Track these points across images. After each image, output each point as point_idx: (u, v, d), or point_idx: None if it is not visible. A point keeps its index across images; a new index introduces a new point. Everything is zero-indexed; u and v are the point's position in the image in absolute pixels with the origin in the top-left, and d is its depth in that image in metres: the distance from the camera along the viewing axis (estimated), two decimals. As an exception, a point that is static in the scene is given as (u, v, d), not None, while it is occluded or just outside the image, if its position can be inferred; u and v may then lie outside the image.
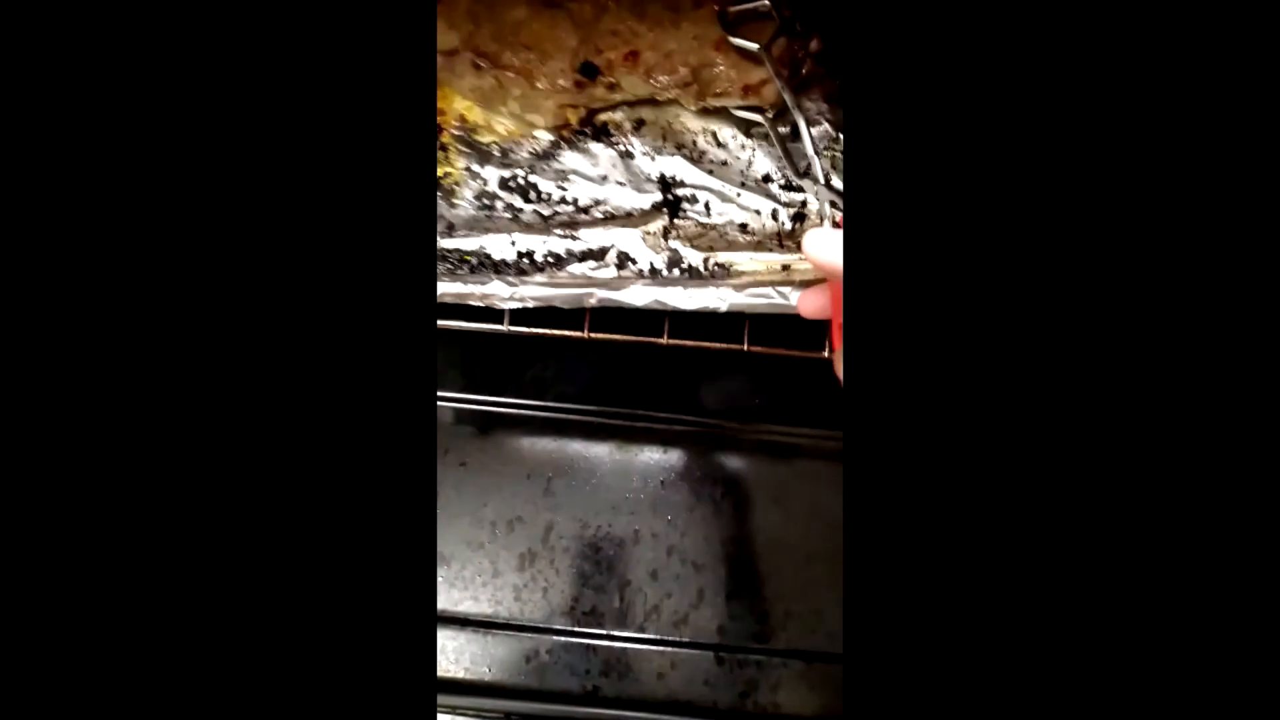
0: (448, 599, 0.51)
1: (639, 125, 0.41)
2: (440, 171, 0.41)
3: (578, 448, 0.55)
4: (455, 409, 0.56)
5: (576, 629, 0.50)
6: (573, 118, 0.39)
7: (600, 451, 0.55)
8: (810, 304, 0.34)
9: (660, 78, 0.38)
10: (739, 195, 0.40)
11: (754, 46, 0.36)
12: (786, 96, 0.34)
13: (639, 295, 0.37)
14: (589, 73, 0.37)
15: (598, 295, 0.37)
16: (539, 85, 0.36)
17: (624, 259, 0.40)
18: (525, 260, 0.40)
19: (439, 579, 0.51)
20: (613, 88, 0.38)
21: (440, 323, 0.40)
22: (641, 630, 0.50)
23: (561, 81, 0.37)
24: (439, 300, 0.38)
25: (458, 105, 0.42)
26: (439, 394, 0.56)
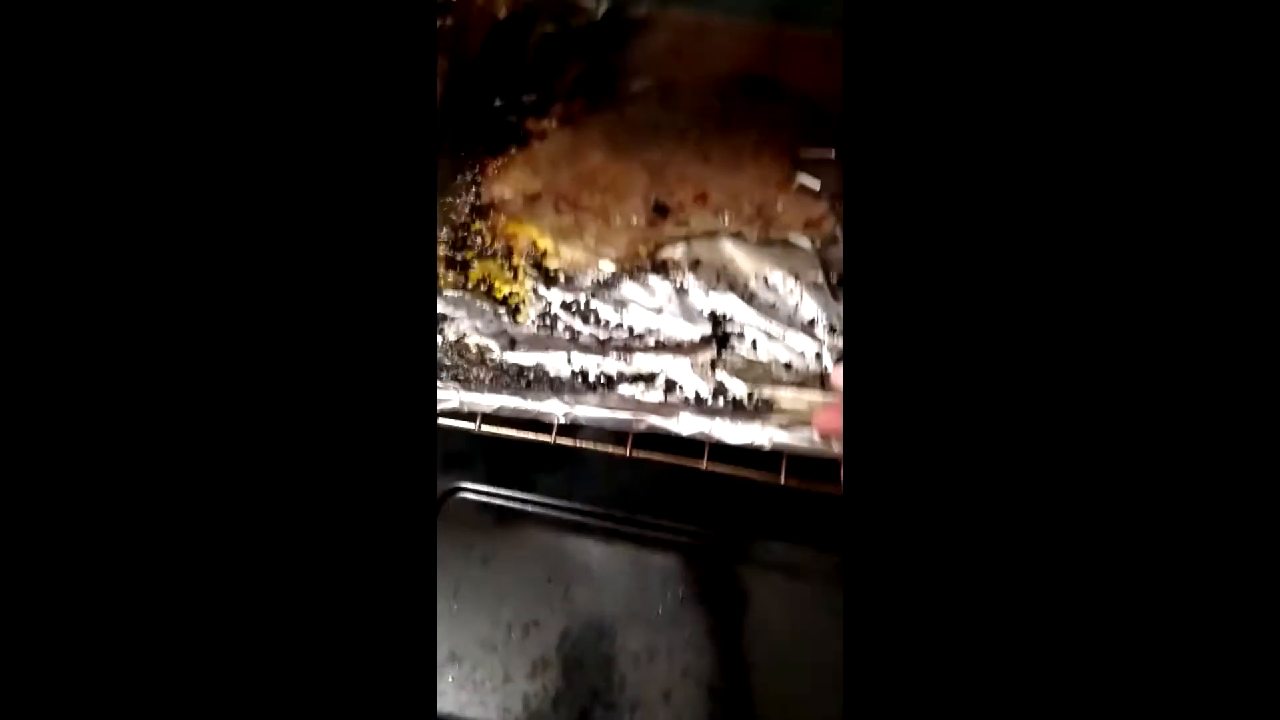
0: (455, 701, 0.50)
1: (696, 264, 0.45)
2: (508, 290, 0.44)
3: (601, 552, 0.56)
4: (480, 501, 0.58)
5: (583, 748, 0.49)
6: (642, 251, 0.43)
7: (623, 559, 0.56)
8: (825, 421, 0.36)
9: (728, 214, 0.43)
10: (785, 336, 0.43)
11: (816, 185, 0.42)
12: (839, 231, 0.40)
13: (686, 425, 0.39)
14: (661, 211, 0.42)
15: (647, 421, 0.39)
16: (614, 223, 0.41)
17: (671, 385, 0.42)
18: (579, 379, 0.42)
19: (449, 679, 0.51)
20: (681, 224, 0.42)
21: (490, 430, 0.42)
22: (650, 756, 0.48)
23: (635, 219, 0.41)
24: (496, 411, 0.40)
25: (531, 232, 0.46)
26: (468, 485, 0.57)
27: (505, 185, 0.44)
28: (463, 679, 0.50)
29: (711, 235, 0.44)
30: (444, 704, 0.50)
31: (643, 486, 0.58)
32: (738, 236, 0.44)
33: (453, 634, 0.52)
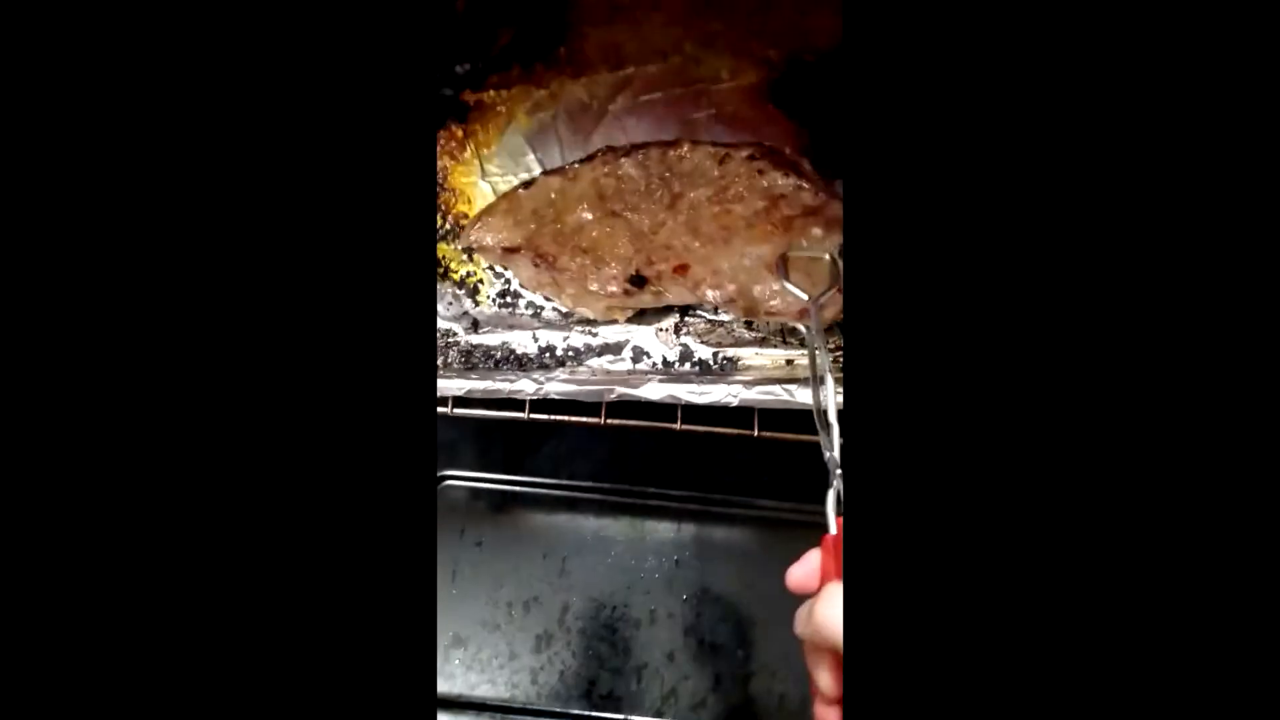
0: (465, 683, 0.51)
1: (652, 227, 0.44)
2: (465, 270, 0.44)
3: (592, 526, 0.56)
4: (471, 488, 0.58)
5: (595, 714, 0.50)
6: (620, 317, 0.41)
7: (614, 530, 0.56)
8: (797, 578, 0.30)
9: (708, 292, 0.39)
10: (746, 293, 0.43)
11: (804, 298, 0.36)
12: (818, 341, 0.33)
13: (655, 391, 0.39)
14: (638, 283, 0.39)
15: (617, 390, 0.39)
16: (591, 288, 0.39)
17: (639, 353, 0.42)
18: (547, 355, 0.42)
19: (455, 661, 0.51)
20: (659, 295, 0.40)
21: (463, 412, 0.42)
22: (659, 715, 0.49)
23: (612, 288, 0.39)
24: (466, 394, 0.40)
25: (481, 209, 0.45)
26: (456, 473, 0.58)
27: (486, 232, 0.41)
28: (469, 660, 0.51)
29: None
30: (454, 686, 0.51)
31: (624, 457, 0.58)
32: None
33: (455, 618, 0.52)
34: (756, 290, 0.38)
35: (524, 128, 0.45)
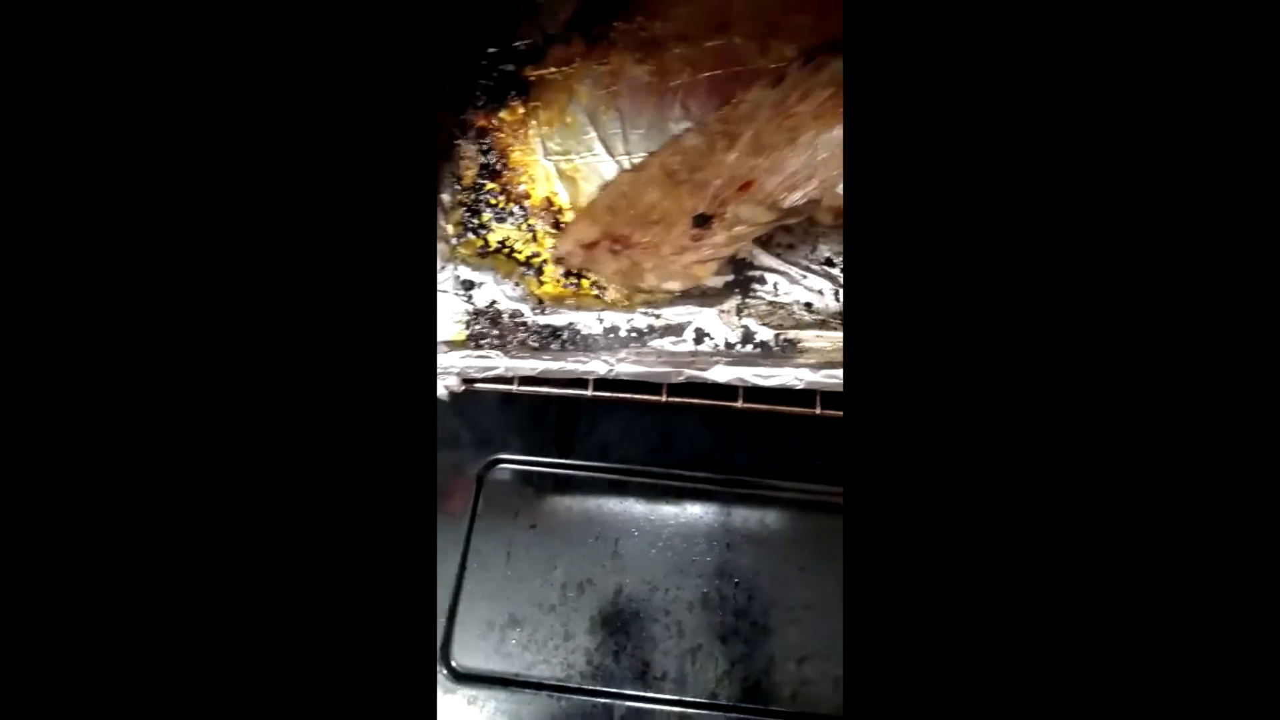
0: (521, 662, 0.51)
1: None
2: (530, 251, 0.43)
3: (643, 509, 0.56)
4: (523, 471, 0.58)
5: (651, 695, 0.50)
6: (705, 274, 0.40)
7: (665, 513, 0.56)
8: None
9: (786, 198, 0.38)
10: (804, 278, 0.42)
11: None
12: None
13: (722, 373, 0.39)
14: (703, 222, 0.38)
15: (685, 373, 0.39)
16: (664, 251, 0.38)
17: (701, 335, 0.42)
18: (611, 335, 0.42)
19: (512, 641, 0.52)
20: (731, 226, 0.39)
21: (528, 390, 0.42)
22: (714, 696, 0.50)
23: (682, 243, 0.38)
24: (540, 374, 0.40)
25: (543, 189, 0.45)
26: (508, 457, 0.58)
27: (567, 238, 0.41)
28: (526, 640, 0.51)
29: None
30: (511, 665, 0.51)
31: (673, 442, 0.58)
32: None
33: (510, 599, 0.53)
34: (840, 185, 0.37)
35: (584, 104, 0.45)
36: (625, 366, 0.39)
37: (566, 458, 0.57)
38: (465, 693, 0.51)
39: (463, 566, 0.54)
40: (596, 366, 0.39)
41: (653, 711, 0.50)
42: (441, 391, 0.40)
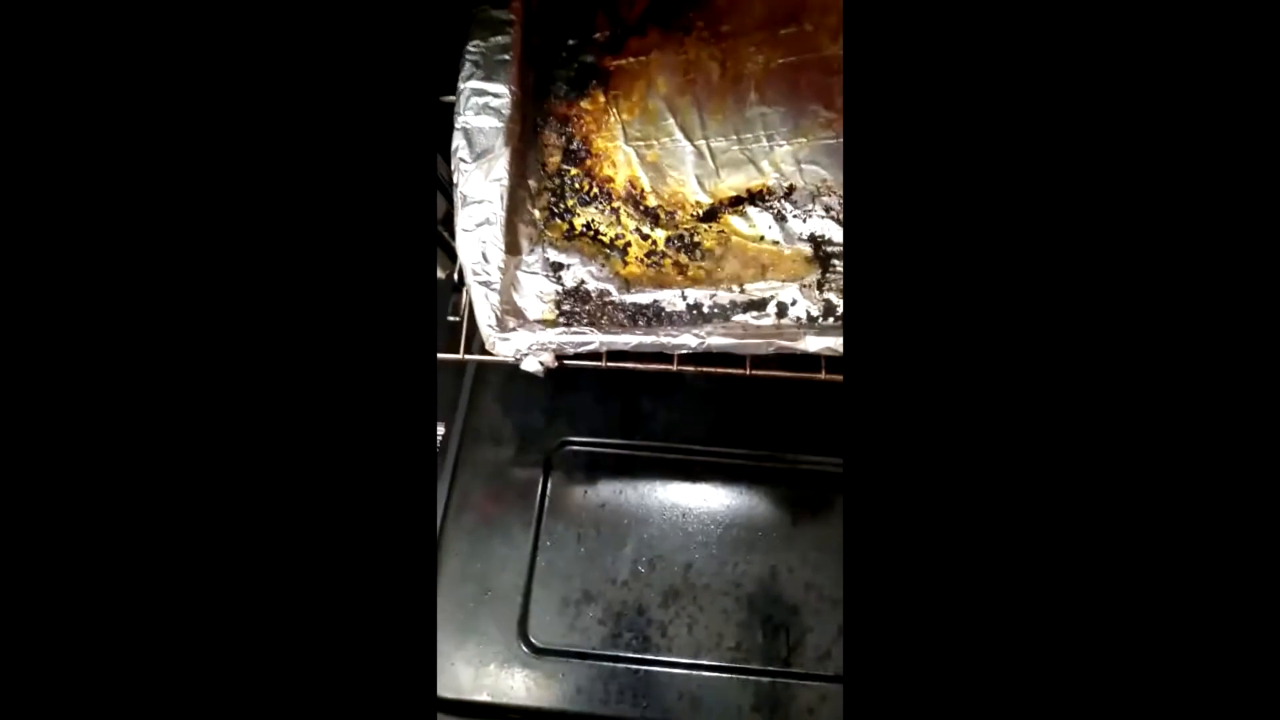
0: (597, 636, 0.53)
1: (790, 191, 0.45)
2: (613, 233, 0.45)
3: (708, 488, 0.57)
4: (590, 452, 0.59)
5: (726, 664, 0.51)
6: None
7: (731, 490, 0.58)
8: None
9: None
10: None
11: None
12: None
13: (813, 343, 0.40)
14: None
15: (775, 344, 0.41)
16: None
17: (783, 308, 0.43)
18: (694, 311, 0.43)
19: (589, 617, 0.53)
20: None
21: (616, 365, 0.44)
22: (787, 665, 0.51)
23: None
24: (626, 349, 0.41)
25: (625, 174, 0.46)
26: (575, 439, 0.59)
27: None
28: (601, 614, 0.53)
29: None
30: (588, 639, 0.52)
31: (735, 421, 0.60)
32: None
33: (584, 575, 0.54)
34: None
35: (662, 92, 0.47)
36: (716, 339, 0.40)
37: (632, 438, 0.59)
38: (545, 666, 0.52)
39: (535, 546, 0.55)
40: (688, 340, 0.40)
41: (729, 680, 0.51)
42: (536, 367, 0.42)
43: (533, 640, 0.53)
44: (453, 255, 0.64)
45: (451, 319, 0.69)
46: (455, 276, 0.66)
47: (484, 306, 0.41)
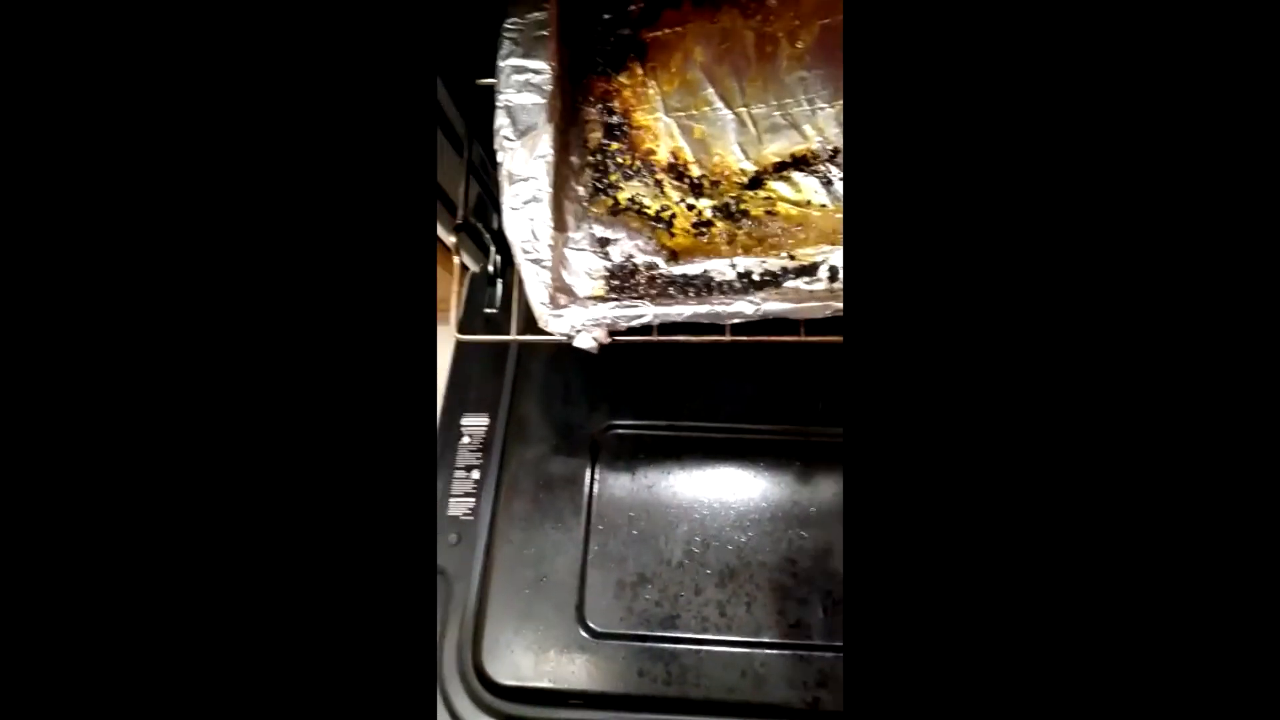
0: (656, 618, 0.52)
1: (835, 154, 0.45)
2: (658, 206, 0.45)
3: (758, 465, 0.57)
4: (635, 435, 0.59)
5: (786, 641, 0.51)
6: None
7: (779, 467, 0.57)
8: None
9: None
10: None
11: None
12: None
13: (870, 303, 0.40)
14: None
15: (832, 307, 0.40)
16: None
17: (834, 272, 0.43)
18: (744, 279, 0.43)
19: (645, 598, 0.53)
20: None
21: (666, 339, 0.43)
22: (850, 640, 0.50)
23: None
24: (680, 320, 0.41)
25: (667, 146, 0.46)
26: (620, 422, 0.59)
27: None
28: (658, 596, 0.52)
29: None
30: (646, 621, 0.51)
31: (778, 399, 0.59)
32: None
33: (638, 557, 0.54)
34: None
35: (700, 62, 0.46)
36: (771, 305, 0.40)
37: (677, 419, 0.58)
38: (604, 650, 0.51)
39: (587, 530, 0.55)
40: (743, 308, 0.40)
41: (791, 658, 0.50)
42: (590, 344, 0.41)
43: (590, 624, 0.53)
44: (485, 249, 0.64)
45: (489, 311, 0.69)
46: (490, 268, 0.66)
47: (536, 284, 0.40)
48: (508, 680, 0.50)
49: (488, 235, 0.60)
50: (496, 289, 0.66)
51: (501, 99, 0.42)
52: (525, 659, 0.51)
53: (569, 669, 0.51)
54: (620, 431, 0.58)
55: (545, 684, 0.50)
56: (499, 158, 0.42)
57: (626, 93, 0.46)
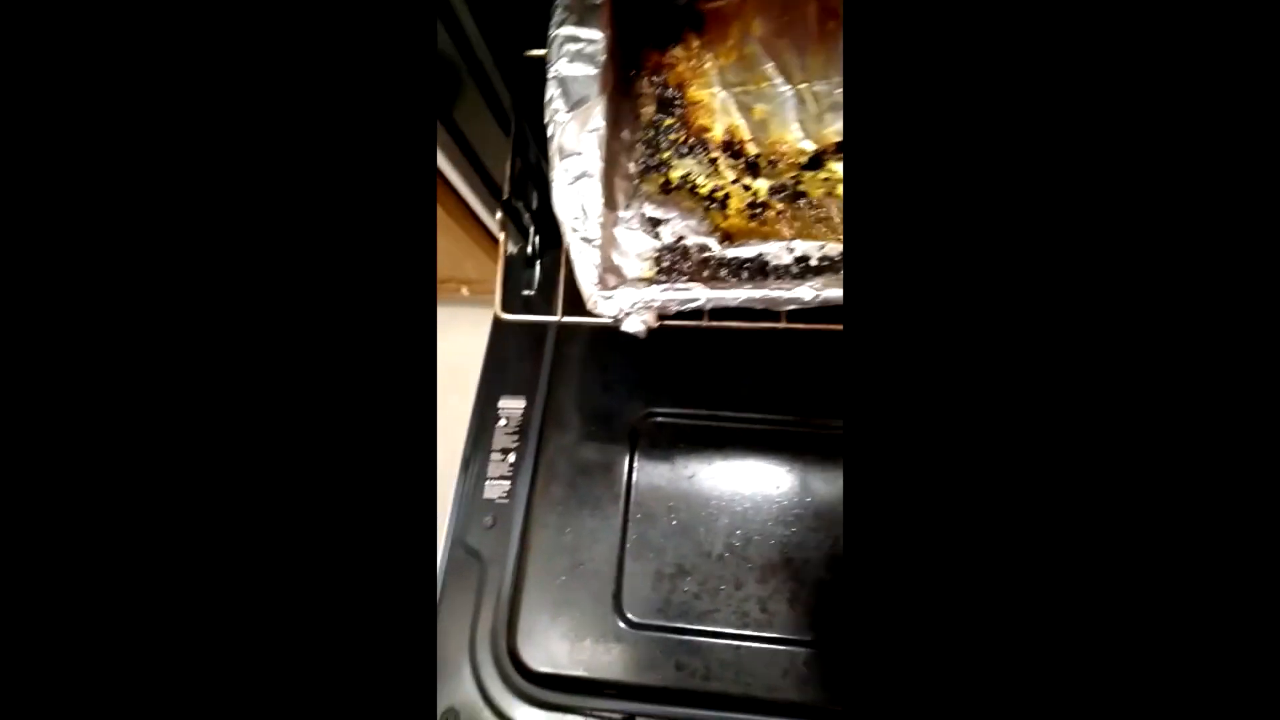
0: (695, 611, 0.51)
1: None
2: (712, 185, 0.43)
3: (802, 460, 0.55)
4: (674, 424, 0.58)
5: (831, 641, 0.49)
6: None
7: (820, 461, 0.55)
8: None
9: None
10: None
11: None
12: None
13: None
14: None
15: (897, 292, 0.38)
16: None
17: (896, 259, 0.40)
18: (801, 264, 0.41)
19: (685, 590, 0.51)
20: None
21: (718, 324, 0.41)
22: (897, 642, 0.48)
23: None
24: (735, 304, 0.39)
25: (722, 122, 0.44)
26: (660, 410, 0.57)
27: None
28: (697, 589, 0.51)
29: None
30: (686, 614, 0.50)
31: (817, 391, 0.57)
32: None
33: (678, 548, 0.52)
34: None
35: (758, 35, 0.44)
36: (831, 292, 0.38)
37: (719, 409, 0.57)
38: (641, 640, 0.50)
39: (625, 518, 0.54)
40: (802, 293, 0.38)
41: (831, 656, 0.49)
42: (639, 327, 0.40)
43: (628, 614, 0.52)
44: (524, 230, 0.63)
45: (526, 293, 0.68)
46: (530, 250, 0.65)
47: (585, 264, 0.39)
48: (543, 667, 0.50)
49: (527, 215, 0.59)
50: (535, 271, 0.65)
51: (552, 70, 0.41)
52: (560, 646, 0.50)
53: (605, 658, 0.50)
54: (660, 420, 0.56)
55: (580, 672, 0.49)
56: (550, 131, 0.41)
57: (681, 66, 0.44)
